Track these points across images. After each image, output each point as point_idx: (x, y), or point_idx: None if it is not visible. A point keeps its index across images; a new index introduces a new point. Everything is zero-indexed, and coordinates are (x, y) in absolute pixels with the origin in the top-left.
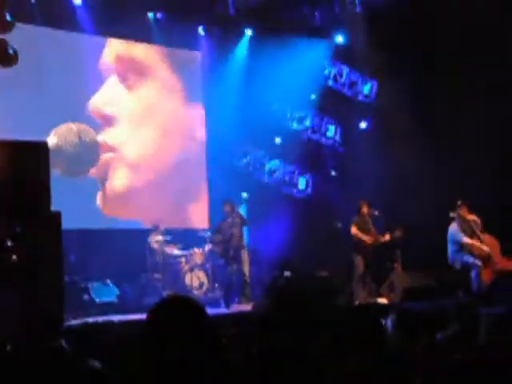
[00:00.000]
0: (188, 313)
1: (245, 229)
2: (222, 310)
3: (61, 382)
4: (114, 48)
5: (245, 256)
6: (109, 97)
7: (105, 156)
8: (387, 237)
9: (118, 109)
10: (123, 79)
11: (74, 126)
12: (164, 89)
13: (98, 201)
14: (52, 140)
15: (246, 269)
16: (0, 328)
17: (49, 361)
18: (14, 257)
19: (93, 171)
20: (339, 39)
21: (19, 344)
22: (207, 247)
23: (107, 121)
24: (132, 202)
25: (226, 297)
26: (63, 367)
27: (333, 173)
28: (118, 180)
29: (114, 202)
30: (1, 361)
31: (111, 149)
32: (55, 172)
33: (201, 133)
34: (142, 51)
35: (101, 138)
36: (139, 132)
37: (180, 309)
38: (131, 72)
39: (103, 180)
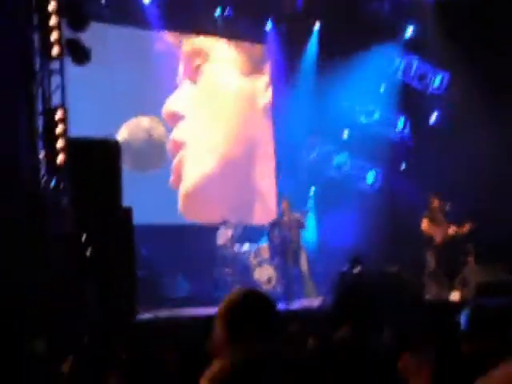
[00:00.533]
0: (259, 306)
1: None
2: (289, 306)
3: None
4: (185, 43)
5: (303, 256)
6: (181, 97)
7: (177, 154)
8: (460, 229)
9: (189, 105)
10: (193, 74)
11: (144, 121)
12: (233, 84)
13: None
14: (122, 134)
15: (305, 268)
16: (77, 319)
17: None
18: (88, 252)
19: (160, 167)
20: (409, 31)
21: (95, 336)
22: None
23: (178, 119)
24: (201, 198)
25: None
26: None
27: (402, 166)
28: (189, 177)
29: (185, 198)
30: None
31: (182, 146)
32: (124, 167)
33: (269, 128)
34: (212, 45)
35: (172, 135)
36: (209, 127)
37: (251, 302)
38: (201, 66)
39: (176, 179)
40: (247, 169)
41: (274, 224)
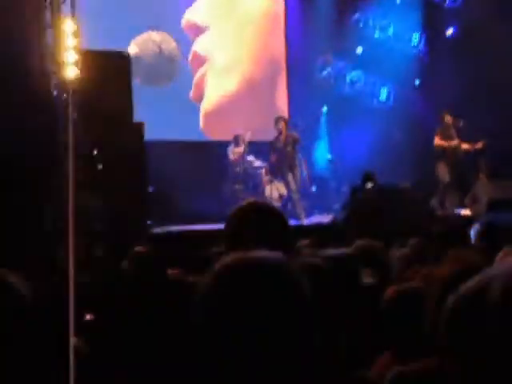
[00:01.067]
0: (267, 215)
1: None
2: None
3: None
4: None
5: (295, 174)
6: (202, 8)
7: (198, 68)
8: (472, 145)
9: (211, 17)
10: None
11: (154, 36)
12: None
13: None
14: (132, 49)
15: (293, 188)
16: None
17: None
18: (100, 166)
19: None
20: None
21: (107, 247)
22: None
23: (200, 31)
24: (219, 116)
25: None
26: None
27: (416, 82)
28: (210, 94)
29: (205, 116)
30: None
31: (204, 60)
32: (135, 81)
33: (281, 44)
34: None
35: (194, 48)
36: (232, 43)
37: (260, 211)
38: None
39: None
40: (260, 87)
41: (271, 143)
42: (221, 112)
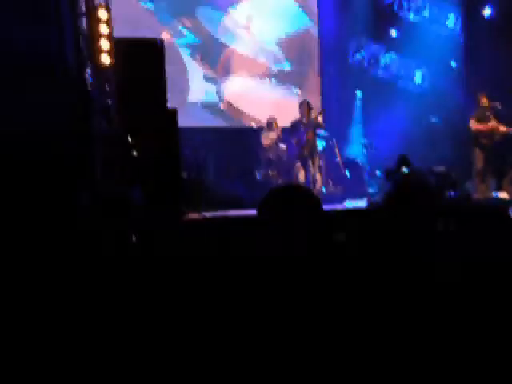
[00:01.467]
0: (303, 197)
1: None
2: (338, 206)
3: None
4: None
5: (317, 162)
6: None
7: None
8: (509, 129)
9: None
10: None
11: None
12: None
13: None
14: (165, 36)
15: (318, 176)
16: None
17: None
18: (135, 152)
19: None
20: None
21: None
22: (321, 145)
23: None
24: (247, 101)
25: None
26: None
27: (453, 65)
28: (236, 79)
29: (232, 101)
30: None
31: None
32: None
33: (314, 26)
34: None
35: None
36: (255, 27)
37: (295, 194)
38: None
39: (223, 78)
40: (293, 72)
41: (292, 125)
42: (247, 98)
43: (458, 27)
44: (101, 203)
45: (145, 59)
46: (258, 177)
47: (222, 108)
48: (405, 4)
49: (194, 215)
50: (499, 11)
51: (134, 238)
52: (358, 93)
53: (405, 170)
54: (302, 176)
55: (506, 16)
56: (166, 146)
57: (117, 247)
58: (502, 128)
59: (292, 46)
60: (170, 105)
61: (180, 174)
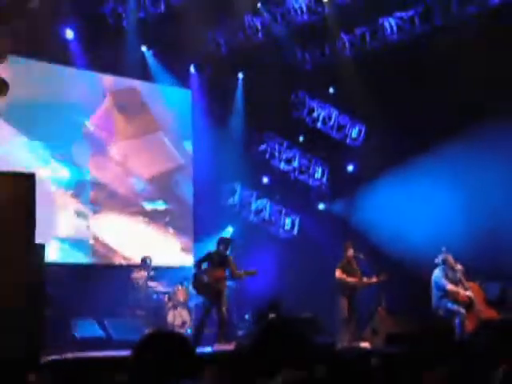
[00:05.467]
0: (174, 346)
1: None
2: (206, 349)
3: None
4: (108, 83)
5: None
6: (105, 122)
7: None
8: (373, 279)
9: (112, 135)
10: (120, 110)
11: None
12: (156, 125)
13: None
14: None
15: (225, 309)
16: None
17: None
18: None
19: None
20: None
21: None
22: (191, 285)
23: (100, 145)
24: (118, 238)
25: (196, 336)
26: None
27: (320, 207)
28: (106, 215)
29: (102, 237)
30: None
31: (100, 185)
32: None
33: (188, 170)
34: (136, 87)
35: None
36: (130, 164)
37: (166, 342)
38: (128, 105)
39: (94, 214)
40: (166, 211)
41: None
42: (121, 234)
43: (325, 178)
44: None
45: (15, 191)
46: (126, 316)
47: (91, 243)
48: (276, 154)
49: (55, 356)
50: (360, 168)
51: None
52: (230, 229)
53: (273, 315)
54: (172, 317)
55: (365, 169)
56: (30, 281)
57: None
58: (365, 279)
59: (166, 186)
60: (37, 239)
61: (43, 312)
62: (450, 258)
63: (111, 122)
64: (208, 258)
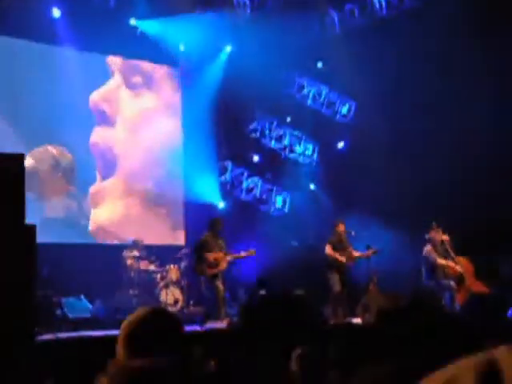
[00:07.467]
0: (164, 323)
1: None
2: (197, 327)
3: None
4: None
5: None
6: (109, 96)
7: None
8: (363, 255)
9: (117, 111)
10: (127, 84)
11: (51, 149)
12: (159, 102)
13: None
14: (28, 161)
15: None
16: None
17: None
18: None
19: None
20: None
21: None
22: (183, 264)
23: (103, 119)
24: (110, 218)
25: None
26: None
27: (311, 187)
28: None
29: (95, 218)
30: None
31: (101, 152)
32: (30, 194)
33: (179, 147)
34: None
35: (93, 138)
36: (129, 141)
37: (156, 318)
38: (134, 81)
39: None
40: (157, 190)
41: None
42: (114, 224)
43: (316, 156)
44: None
45: (2, 173)
46: (118, 296)
47: (83, 224)
48: (267, 132)
49: (47, 336)
50: (351, 145)
51: None
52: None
53: (262, 292)
54: (163, 296)
55: (357, 150)
56: (21, 262)
57: None
58: (356, 254)
59: (157, 164)
60: (28, 220)
61: (35, 292)
62: (439, 233)
63: (99, 104)
64: (203, 243)
